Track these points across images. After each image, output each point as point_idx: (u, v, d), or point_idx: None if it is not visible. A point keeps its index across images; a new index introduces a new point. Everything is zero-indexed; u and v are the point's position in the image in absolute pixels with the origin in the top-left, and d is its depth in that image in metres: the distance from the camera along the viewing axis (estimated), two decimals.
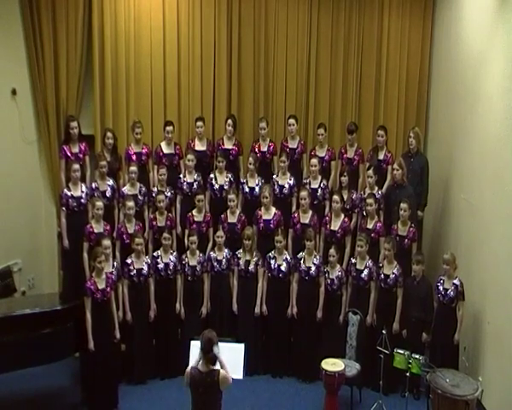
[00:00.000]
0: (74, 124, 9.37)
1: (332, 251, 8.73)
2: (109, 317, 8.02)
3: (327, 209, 9.46)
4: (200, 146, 9.85)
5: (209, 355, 5.87)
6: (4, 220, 9.33)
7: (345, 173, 9.43)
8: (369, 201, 8.97)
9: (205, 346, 5.87)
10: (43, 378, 8.61)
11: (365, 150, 9.98)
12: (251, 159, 9.53)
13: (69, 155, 9.33)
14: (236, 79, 10.40)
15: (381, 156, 9.74)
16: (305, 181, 9.60)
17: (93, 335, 7.79)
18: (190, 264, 8.83)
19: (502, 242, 7.66)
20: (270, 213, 9.23)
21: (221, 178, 9.55)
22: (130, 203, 8.85)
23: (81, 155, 9.41)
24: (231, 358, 6.50)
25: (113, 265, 8.37)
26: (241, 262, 8.93)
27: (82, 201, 8.97)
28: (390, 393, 8.38)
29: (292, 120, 9.78)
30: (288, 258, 8.94)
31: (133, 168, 9.22)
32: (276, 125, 10.50)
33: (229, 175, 9.60)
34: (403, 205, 8.75)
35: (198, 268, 8.84)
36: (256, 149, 9.86)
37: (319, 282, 8.80)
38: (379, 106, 10.63)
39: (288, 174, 9.52)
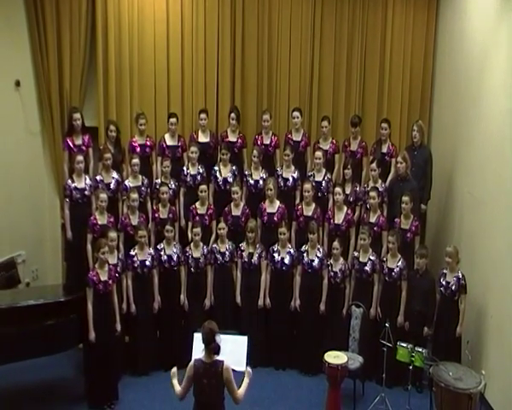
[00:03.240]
0: (77, 115, 9.37)
1: (336, 244, 8.73)
2: (111, 309, 8.02)
3: (330, 203, 9.44)
4: (203, 138, 9.84)
5: (211, 345, 5.86)
6: (8, 212, 9.34)
7: (348, 166, 9.43)
8: (372, 194, 8.97)
9: (206, 337, 5.86)
10: (47, 369, 8.64)
11: (369, 143, 9.98)
12: (255, 152, 9.52)
13: (72, 146, 9.33)
14: (240, 71, 10.37)
15: (384, 149, 9.73)
16: (309, 174, 9.60)
17: (94, 326, 7.80)
18: (194, 256, 8.84)
19: (505, 236, 7.66)
20: (274, 207, 9.23)
21: (225, 171, 9.55)
22: (135, 195, 8.85)
23: (84, 147, 9.40)
24: (234, 350, 6.51)
25: (118, 257, 8.38)
26: (245, 255, 8.94)
27: (86, 192, 8.98)
28: (393, 386, 8.37)
29: (296, 113, 9.77)
30: (292, 251, 8.95)
31: (135, 160, 9.22)
32: (279, 118, 10.49)
33: (233, 168, 9.60)
34: (404, 198, 8.75)
35: (201, 260, 8.86)
36: (258, 142, 9.86)
37: (322, 275, 8.82)
38: (383, 99, 10.61)
39: (293, 167, 9.52)
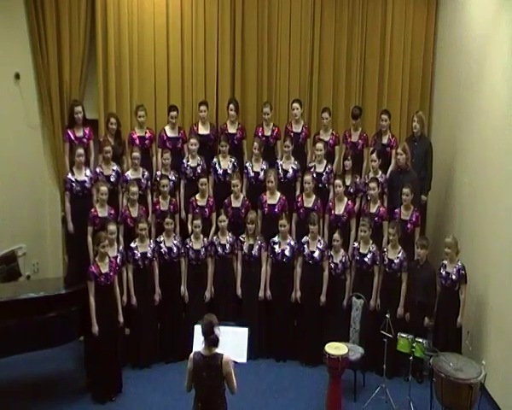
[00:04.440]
0: (79, 108, 9.35)
1: (336, 235, 8.72)
2: (113, 301, 8.03)
3: (331, 194, 9.44)
4: (203, 130, 9.84)
5: (211, 337, 5.86)
6: (9, 205, 9.35)
7: (348, 157, 9.43)
8: (372, 185, 8.96)
9: (206, 329, 5.86)
10: (48, 362, 8.65)
11: (369, 134, 9.97)
12: (256, 143, 9.51)
13: (73, 139, 9.32)
14: (240, 63, 10.35)
15: (384, 140, 9.71)
16: (310, 165, 9.59)
17: (96, 319, 7.81)
18: (194, 248, 8.84)
19: (505, 226, 7.66)
20: (274, 198, 9.23)
21: (224, 163, 9.54)
22: (134, 188, 8.84)
23: (85, 140, 9.39)
24: (235, 342, 6.52)
25: (118, 249, 8.39)
26: (245, 246, 8.95)
27: (86, 185, 8.98)
28: (393, 377, 8.38)
29: (296, 104, 9.75)
30: (292, 242, 8.95)
31: (136, 154, 9.21)
32: (279, 110, 10.47)
33: (233, 159, 9.59)
34: (405, 190, 8.74)
35: (202, 252, 8.86)
36: (259, 134, 9.85)
37: (323, 266, 8.82)
38: (383, 90, 10.59)
39: (292, 159, 9.51)
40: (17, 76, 9.49)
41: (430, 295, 8.29)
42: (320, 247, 8.79)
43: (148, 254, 8.62)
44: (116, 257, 8.21)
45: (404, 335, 7.74)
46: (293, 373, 8.83)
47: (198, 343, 6.12)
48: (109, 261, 7.96)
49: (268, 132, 9.87)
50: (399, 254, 8.50)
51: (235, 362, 6.15)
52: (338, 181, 9.09)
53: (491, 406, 7.85)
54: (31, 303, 7.70)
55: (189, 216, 9.18)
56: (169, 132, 9.70)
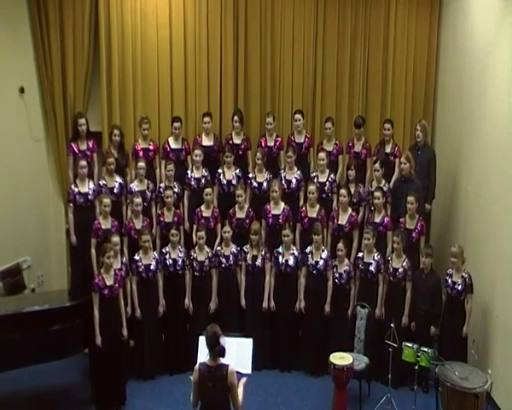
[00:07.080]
0: (82, 121, 9.38)
1: (340, 245, 8.70)
2: (117, 314, 8.01)
3: (334, 203, 9.45)
4: (207, 141, 9.86)
5: (217, 348, 5.85)
6: (13, 218, 9.38)
7: (352, 167, 9.42)
8: (377, 194, 8.95)
9: (211, 340, 5.86)
10: (53, 375, 8.64)
11: (373, 144, 9.97)
12: (259, 154, 9.53)
13: (77, 151, 9.35)
14: (243, 74, 10.39)
15: (388, 150, 9.72)
16: (312, 175, 9.59)
17: (100, 331, 7.80)
18: (198, 259, 8.83)
19: (510, 233, 7.63)
20: (279, 208, 9.22)
21: (229, 174, 9.55)
22: (138, 200, 8.86)
23: (89, 153, 9.42)
24: (239, 353, 6.51)
25: (122, 261, 8.38)
26: (249, 257, 8.94)
27: (89, 197, 8.99)
28: (399, 386, 8.33)
29: (298, 115, 9.77)
30: (296, 253, 8.94)
31: (141, 164, 9.23)
32: (282, 120, 10.49)
33: (237, 170, 9.61)
34: (410, 198, 8.73)
35: (206, 264, 8.84)
36: (263, 144, 9.87)
37: (327, 276, 8.80)
38: (386, 99, 10.59)
39: (295, 169, 9.51)
40: (21, 90, 9.57)
41: (435, 303, 8.27)
42: (324, 257, 8.78)
43: (152, 267, 8.62)
44: (120, 269, 8.21)
45: (409, 344, 7.73)
46: (297, 384, 8.80)
47: (203, 354, 6.12)
48: (114, 274, 7.96)
49: (271, 143, 9.88)
50: (404, 263, 8.48)
51: (239, 373, 6.14)
52: (343, 191, 9.07)
53: None
54: (35, 316, 7.70)
55: (194, 227, 9.19)
56: (172, 144, 9.72)
